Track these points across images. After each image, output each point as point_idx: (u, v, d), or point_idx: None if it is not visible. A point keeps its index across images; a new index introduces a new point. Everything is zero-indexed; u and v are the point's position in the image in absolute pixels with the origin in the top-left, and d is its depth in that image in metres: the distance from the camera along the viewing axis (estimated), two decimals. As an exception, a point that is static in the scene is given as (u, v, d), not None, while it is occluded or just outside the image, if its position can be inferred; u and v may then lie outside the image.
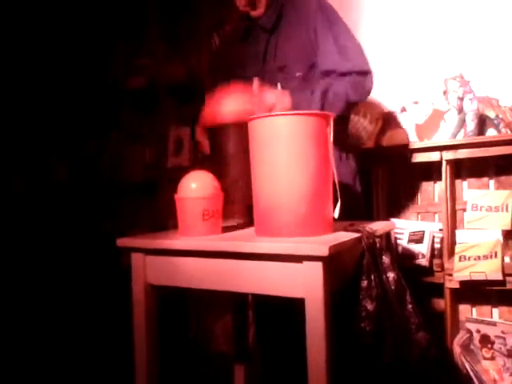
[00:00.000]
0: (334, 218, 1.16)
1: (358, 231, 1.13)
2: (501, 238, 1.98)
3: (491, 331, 1.90)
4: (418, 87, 2.21)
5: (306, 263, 1.00)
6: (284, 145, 1.11)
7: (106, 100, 3.12)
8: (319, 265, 0.98)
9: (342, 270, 1.09)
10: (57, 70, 3.23)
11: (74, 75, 3.22)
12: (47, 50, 3.24)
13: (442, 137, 2.06)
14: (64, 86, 3.23)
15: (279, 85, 1.45)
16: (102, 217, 3.11)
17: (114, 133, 3.13)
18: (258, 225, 1.18)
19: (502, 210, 1.96)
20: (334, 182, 1.16)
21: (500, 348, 1.88)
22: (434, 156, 2.03)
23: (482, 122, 2.01)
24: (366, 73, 1.52)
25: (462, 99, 2.04)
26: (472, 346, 1.93)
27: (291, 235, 1.10)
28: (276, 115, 1.14)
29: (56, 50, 3.25)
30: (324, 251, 0.96)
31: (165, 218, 2.62)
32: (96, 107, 3.19)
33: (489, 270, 1.83)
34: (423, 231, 2.12)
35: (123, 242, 1.26)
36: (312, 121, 1.12)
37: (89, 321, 2.72)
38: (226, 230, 1.29)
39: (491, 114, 2.00)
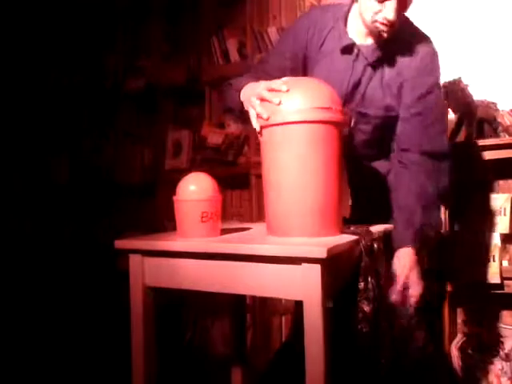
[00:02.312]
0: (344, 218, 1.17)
1: (356, 234, 1.13)
2: (499, 242, 1.98)
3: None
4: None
5: (304, 265, 1.00)
6: (294, 150, 1.13)
7: (104, 101, 3.12)
8: (317, 267, 0.98)
9: (340, 273, 1.09)
10: (57, 72, 3.24)
11: (73, 76, 3.22)
12: (47, 51, 3.25)
13: (440, 140, 2.06)
14: (64, 88, 3.23)
15: (353, 121, 1.41)
16: (100, 218, 3.10)
17: (113, 134, 3.12)
18: (270, 225, 1.20)
19: (500, 214, 1.96)
20: (345, 183, 1.16)
21: (498, 352, 1.88)
22: (432, 159, 2.02)
23: (481, 126, 2.02)
24: (447, 156, 1.40)
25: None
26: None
27: (301, 235, 1.12)
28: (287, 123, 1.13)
29: (57, 53, 3.25)
30: (322, 253, 0.96)
31: (163, 220, 2.62)
32: (95, 109, 3.19)
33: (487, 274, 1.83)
34: (421, 234, 2.12)
35: (121, 243, 1.26)
36: (323, 128, 1.13)
37: (86, 323, 2.71)
38: (224, 232, 1.29)
39: (490, 117, 2.01)
